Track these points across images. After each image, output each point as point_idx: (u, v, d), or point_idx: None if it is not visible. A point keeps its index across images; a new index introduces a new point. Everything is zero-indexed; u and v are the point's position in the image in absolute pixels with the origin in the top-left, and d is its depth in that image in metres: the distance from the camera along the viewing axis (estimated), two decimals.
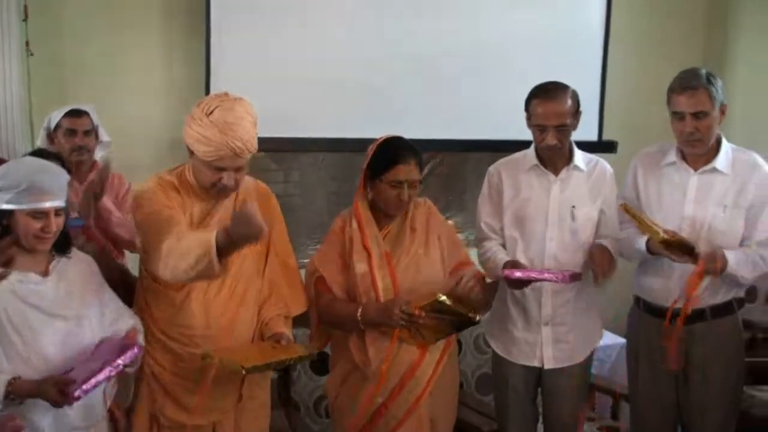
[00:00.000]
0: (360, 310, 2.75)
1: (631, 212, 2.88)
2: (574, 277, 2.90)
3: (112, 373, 2.34)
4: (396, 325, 2.69)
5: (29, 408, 2.30)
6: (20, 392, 2.24)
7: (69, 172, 2.57)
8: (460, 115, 4.60)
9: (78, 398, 2.23)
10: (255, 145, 2.58)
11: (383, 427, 2.81)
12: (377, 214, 2.89)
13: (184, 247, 2.36)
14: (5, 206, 2.29)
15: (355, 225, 2.87)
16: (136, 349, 2.41)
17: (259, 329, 2.74)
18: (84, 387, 2.24)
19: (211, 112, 2.52)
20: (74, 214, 3.10)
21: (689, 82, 2.94)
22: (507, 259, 3.02)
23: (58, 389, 2.23)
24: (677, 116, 2.98)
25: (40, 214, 2.32)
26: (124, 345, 2.41)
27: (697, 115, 2.94)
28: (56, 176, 2.38)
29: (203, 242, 2.32)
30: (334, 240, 2.91)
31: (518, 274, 2.87)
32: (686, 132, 2.97)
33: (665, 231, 2.84)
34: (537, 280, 2.90)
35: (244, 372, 2.43)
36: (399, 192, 2.79)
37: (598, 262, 2.96)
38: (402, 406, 2.80)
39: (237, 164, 2.56)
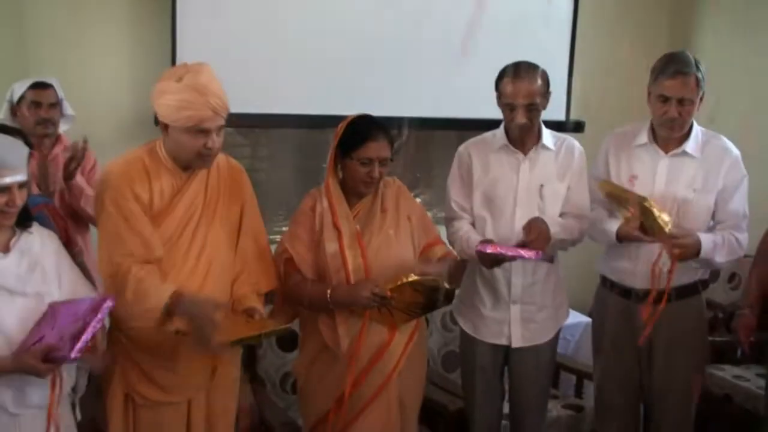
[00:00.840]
0: (329, 291, 2.74)
1: (610, 188, 2.89)
2: (547, 258, 2.90)
3: (96, 329, 2.29)
4: (367, 306, 2.69)
5: None
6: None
7: (31, 147, 2.52)
8: (428, 93, 4.59)
9: (74, 359, 2.22)
10: (228, 106, 2.59)
11: (352, 408, 2.81)
12: (347, 193, 2.87)
13: (140, 293, 2.49)
14: None
15: (325, 203, 2.85)
16: (109, 301, 2.35)
17: (232, 305, 2.72)
18: (78, 346, 2.21)
19: (182, 78, 2.52)
20: (35, 190, 3.05)
21: (681, 68, 2.94)
22: (479, 238, 3.03)
23: (42, 358, 2.20)
24: (662, 99, 2.98)
25: (4, 189, 2.26)
26: (96, 303, 2.35)
27: (682, 101, 2.95)
28: (18, 150, 2.33)
29: (155, 306, 2.47)
30: (303, 219, 2.88)
31: (491, 249, 2.86)
32: (669, 116, 2.98)
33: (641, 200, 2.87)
34: (511, 257, 2.87)
35: (230, 346, 2.48)
36: (369, 170, 2.77)
37: (532, 236, 2.90)
38: (371, 386, 2.81)
39: (218, 123, 2.55)
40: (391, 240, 2.85)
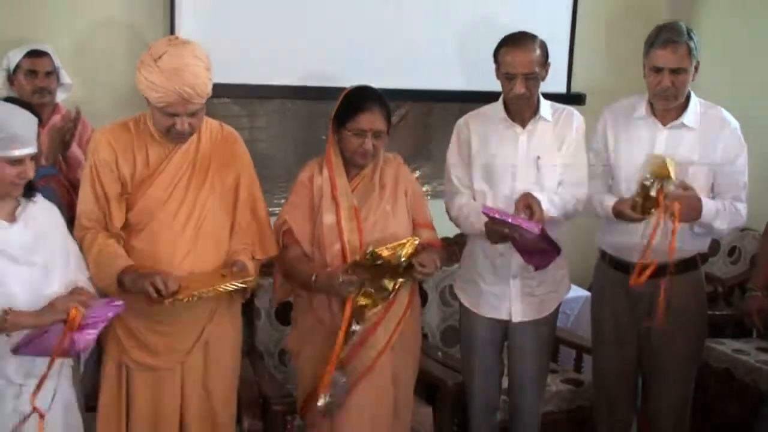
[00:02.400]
0: (314, 277, 2.73)
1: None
2: (545, 238, 2.86)
3: (102, 326, 2.37)
4: (345, 294, 2.69)
5: None
6: (17, 325, 2.23)
7: (40, 119, 2.55)
8: (426, 64, 4.54)
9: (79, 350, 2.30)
10: (207, 89, 2.58)
11: (346, 380, 2.81)
12: (346, 165, 2.87)
13: (99, 264, 2.59)
14: None
15: (326, 174, 2.85)
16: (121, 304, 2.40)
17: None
18: (86, 337, 2.28)
19: (159, 57, 2.52)
20: (43, 162, 3.04)
21: (672, 37, 2.92)
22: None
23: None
24: (654, 70, 2.97)
25: (16, 161, 2.30)
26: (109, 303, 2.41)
27: (676, 71, 2.93)
28: (31, 122, 2.38)
29: (110, 279, 2.56)
30: (301, 190, 2.88)
31: (498, 215, 2.82)
32: (662, 86, 2.96)
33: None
34: (514, 225, 2.81)
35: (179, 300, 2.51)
36: (362, 141, 2.77)
37: (520, 207, 2.91)
38: (363, 361, 2.81)
39: (189, 110, 2.56)
40: (388, 216, 2.85)
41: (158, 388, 2.74)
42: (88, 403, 2.83)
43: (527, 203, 2.88)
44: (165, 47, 2.55)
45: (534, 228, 2.78)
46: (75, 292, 2.39)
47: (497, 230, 2.87)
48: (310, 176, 2.88)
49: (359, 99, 2.80)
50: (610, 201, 3.06)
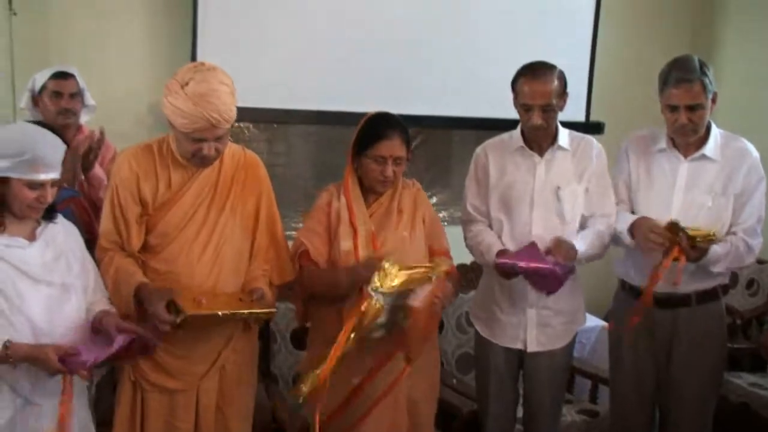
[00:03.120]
0: (341, 272, 2.74)
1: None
2: (566, 272, 2.87)
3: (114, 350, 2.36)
4: (373, 269, 2.62)
5: (8, 370, 2.28)
6: (16, 356, 2.22)
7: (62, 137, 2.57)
8: (446, 91, 4.57)
9: (81, 371, 2.27)
10: (233, 114, 2.59)
11: (358, 408, 2.78)
12: (365, 191, 2.86)
13: (116, 283, 2.60)
14: (4, 174, 2.26)
15: (343, 201, 2.84)
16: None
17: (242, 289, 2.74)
18: (95, 357, 2.29)
19: (186, 84, 2.52)
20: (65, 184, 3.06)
21: (684, 75, 2.91)
22: (499, 246, 3.00)
23: (59, 357, 2.22)
24: (670, 108, 2.96)
25: (37, 185, 2.30)
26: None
27: (692, 108, 2.92)
28: (57, 148, 2.37)
29: (127, 296, 2.56)
30: (318, 215, 2.88)
31: (510, 261, 2.83)
32: (680, 124, 2.95)
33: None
34: (532, 270, 2.82)
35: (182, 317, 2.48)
36: (382, 168, 2.77)
37: (555, 251, 2.90)
38: (378, 387, 2.77)
39: (215, 134, 2.56)
40: (405, 242, 2.84)
41: (173, 409, 2.73)
42: (100, 425, 2.82)
43: (561, 251, 2.87)
44: (191, 74, 2.55)
45: (554, 268, 2.79)
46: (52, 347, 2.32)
47: (507, 270, 2.89)
48: (328, 201, 2.88)
49: (380, 126, 2.80)
50: (624, 223, 3.04)
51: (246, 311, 2.59)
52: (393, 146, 2.77)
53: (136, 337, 2.40)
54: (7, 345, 2.21)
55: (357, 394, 2.78)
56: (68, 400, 2.31)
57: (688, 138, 3.02)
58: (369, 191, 2.86)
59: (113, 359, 2.41)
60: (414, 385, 2.86)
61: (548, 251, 2.89)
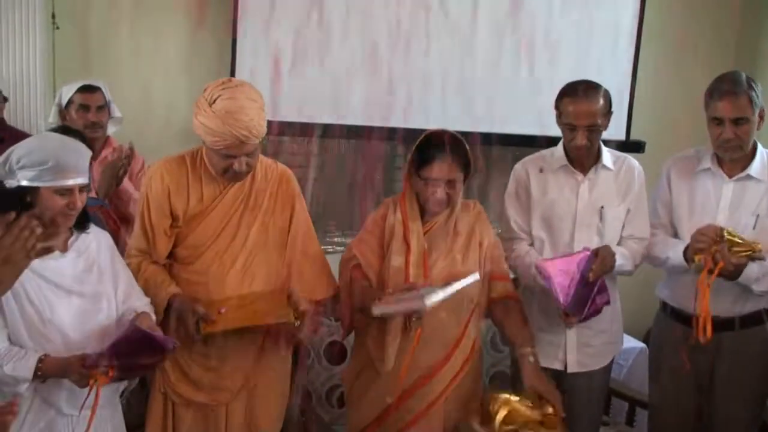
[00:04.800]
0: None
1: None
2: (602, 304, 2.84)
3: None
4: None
5: (46, 385, 2.29)
6: (48, 371, 2.23)
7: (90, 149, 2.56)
8: (484, 108, 4.54)
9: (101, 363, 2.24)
10: (262, 130, 2.57)
11: (392, 426, 2.75)
12: (422, 207, 2.79)
13: (147, 291, 2.61)
14: (30, 183, 2.26)
15: (398, 216, 2.78)
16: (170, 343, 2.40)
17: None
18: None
19: (214, 101, 2.52)
20: (92, 193, 3.08)
21: (731, 88, 2.87)
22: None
23: (83, 365, 2.22)
24: (716, 122, 2.92)
25: (65, 191, 2.30)
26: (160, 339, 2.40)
27: (737, 122, 2.88)
28: (81, 153, 2.37)
29: (159, 306, 2.60)
30: (373, 227, 2.84)
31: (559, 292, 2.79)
32: (725, 138, 2.90)
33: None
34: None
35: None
36: (433, 190, 2.68)
37: (597, 264, 2.81)
38: (412, 409, 2.73)
39: (245, 150, 2.56)
40: (457, 264, 2.76)
41: (203, 424, 2.74)
42: None
43: (601, 257, 2.79)
44: (219, 91, 2.54)
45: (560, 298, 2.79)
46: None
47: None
48: (383, 214, 2.83)
49: (433, 147, 2.68)
50: (678, 249, 2.97)
51: (261, 323, 2.59)
52: (445, 169, 2.66)
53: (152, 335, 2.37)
54: (42, 359, 2.22)
55: (389, 412, 2.74)
56: (95, 407, 2.28)
57: (733, 154, 2.96)
58: (426, 208, 2.79)
59: (132, 355, 2.32)
60: (449, 412, 2.77)
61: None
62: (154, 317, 2.54)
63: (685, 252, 2.92)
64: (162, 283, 2.64)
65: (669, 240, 3.07)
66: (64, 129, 3.01)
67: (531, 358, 2.65)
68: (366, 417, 2.80)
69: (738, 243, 2.76)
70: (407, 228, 2.76)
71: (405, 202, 2.79)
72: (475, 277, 2.60)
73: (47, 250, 2.07)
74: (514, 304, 2.81)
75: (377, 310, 2.53)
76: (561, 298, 2.79)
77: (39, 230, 2.01)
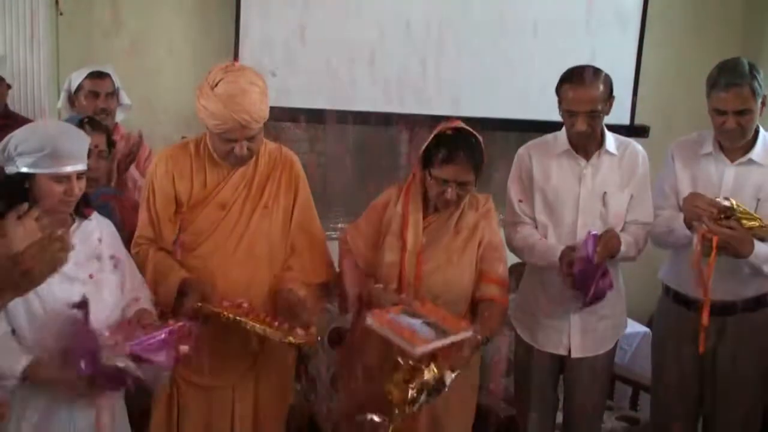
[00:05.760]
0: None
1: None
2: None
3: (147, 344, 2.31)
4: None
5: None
6: (36, 379, 2.23)
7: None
8: (488, 93, 4.53)
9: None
10: (263, 114, 2.58)
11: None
12: (426, 199, 2.76)
13: (158, 275, 2.64)
14: (29, 170, 2.26)
15: (399, 209, 2.76)
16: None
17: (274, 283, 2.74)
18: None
19: (216, 85, 2.53)
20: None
21: (733, 80, 2.85)
22: (558, 246, 2.92)
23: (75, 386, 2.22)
24: (718, 112, 2.91)
25: (63, 178, 2.29)
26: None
27: (740, 112, 2.87)
28: (79, 139, 2.35)
29: (170, 290, 2.60)
30: (373, 215, 2.83)
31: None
32: (727, 128, 2.90)
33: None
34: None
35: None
36: (443, 190, 2.65)
37: (601, 246, 2.81)
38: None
39: (246, 134, 2.57)
40: (452, 264, 2.73)
41: (209, 407, 2.75)
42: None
43: (605, 241, 2.79)
44: (221, 75, 2.56)
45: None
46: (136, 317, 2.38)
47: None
48: (385, 203, 2.82)
49: (448, 147, 2.62)
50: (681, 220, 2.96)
51: (275, 335, 2.51)
52: (458, 171, 2.62)
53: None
54: (26, 369, 2.20)
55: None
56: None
57: (735, 142, 2.97)
58: (430, 201, 2.77)
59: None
60: (443, 406, 2.71)
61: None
62: (154, 312, 2.53)
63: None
64: (171, 268, 2.66)
65: (674, 214, 3.06)
66: (90, 122, 2.97)
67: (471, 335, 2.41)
68: (352, 403, 2.77)
69: (749, 215, 2.75)
70: (406, 223, 2.73)
71: (410, 191, 2.78)
72: (466, 334, 2.38)
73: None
74: (497, 307, 2.74)
75: (370, 322, 2.42)
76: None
77: (70, 244, 2.02)
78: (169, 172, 2.70)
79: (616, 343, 3.18)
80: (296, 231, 2.80)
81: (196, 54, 4.06)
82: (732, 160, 3.01)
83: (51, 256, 2.01)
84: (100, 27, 3.91)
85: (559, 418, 3.28)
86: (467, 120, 4.43)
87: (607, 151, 3.04)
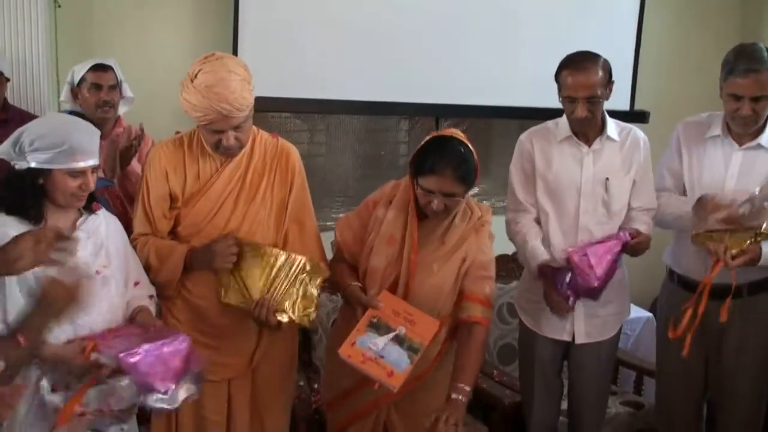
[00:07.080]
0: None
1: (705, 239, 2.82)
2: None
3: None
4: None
5: None
6: (44, 357, 2.23)
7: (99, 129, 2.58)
8: (487, 81, 4.53)
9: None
10: (245, 102, 2.53)
11: (357, 402, 2.73)
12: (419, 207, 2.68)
13: (161, 255, 2.65)
14: (43, 165, 2.28)
15: (390, 213, 2.69)
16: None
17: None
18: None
19: (195, 76, 2.52)
20: (101, 174, 3.09)
21: (752, 65, 2.82)
22: (545, 256, 2.99)
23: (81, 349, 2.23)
24: (733, 98, 2.88)
25: (78, 173, 2.32)
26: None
27: (757, 99, 2.85)
28: (93, 135, 2.38)
29: (175, 260, 2.62)
30: (363, 210, 2.79)
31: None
32: (742, 114, 2.88)
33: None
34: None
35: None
36: (429, 200, 2.56)
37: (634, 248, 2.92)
38: (368, 396, 2.67)
39: (231, 124, 2.54)
40: (431, 274, 2.65)
41: (201, 400, 2.65)
42: None
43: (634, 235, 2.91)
44: (200, 65, 2.53)
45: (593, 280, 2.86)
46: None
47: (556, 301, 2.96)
48: (376, 201, 2.77)
49: (435, 158, 2.52)
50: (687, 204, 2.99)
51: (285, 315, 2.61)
52: (443, 183, 2.51)
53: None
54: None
55: (352, 393, 2.73)
56: (84, 389, 2.25)
57: (748, 128, 2.95)
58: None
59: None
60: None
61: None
62: (154, 311, 2.55)
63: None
64: (174, 245, 2.66)
65: (680, 198, 3.06)
66: (74, 114, 2.98)
67: (460, 397, 2.45)
68: (334, 389, 2.82)
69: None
70: (395, 226, 2.68)
71: (405, 198, 2.70)
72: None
73: (54, 263, 2.05)
74: (479, 331, 2.62)
75: (344, 356, 2.45)
76: (571, 297, 2.90)
77: (55, 245, 2.02)
78: (162, 167, 2.68)
79: (620, 329, 3.19)
80: (290, 223, 2.78)
81: (195, 45, 4.04)
82: (740, 144, 3.00)
83: (38, 251, 2.00)
84: (98, 18, 3.90)
85: (564, 404, 3.29)
86: (467, 108, 4.48)
87: (609, 137, 3.03)
